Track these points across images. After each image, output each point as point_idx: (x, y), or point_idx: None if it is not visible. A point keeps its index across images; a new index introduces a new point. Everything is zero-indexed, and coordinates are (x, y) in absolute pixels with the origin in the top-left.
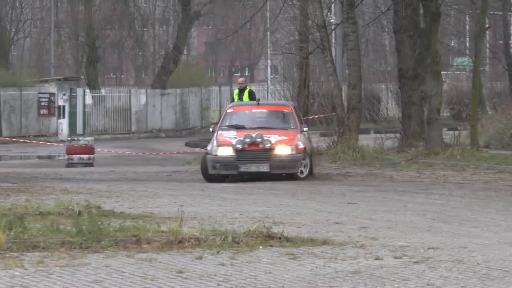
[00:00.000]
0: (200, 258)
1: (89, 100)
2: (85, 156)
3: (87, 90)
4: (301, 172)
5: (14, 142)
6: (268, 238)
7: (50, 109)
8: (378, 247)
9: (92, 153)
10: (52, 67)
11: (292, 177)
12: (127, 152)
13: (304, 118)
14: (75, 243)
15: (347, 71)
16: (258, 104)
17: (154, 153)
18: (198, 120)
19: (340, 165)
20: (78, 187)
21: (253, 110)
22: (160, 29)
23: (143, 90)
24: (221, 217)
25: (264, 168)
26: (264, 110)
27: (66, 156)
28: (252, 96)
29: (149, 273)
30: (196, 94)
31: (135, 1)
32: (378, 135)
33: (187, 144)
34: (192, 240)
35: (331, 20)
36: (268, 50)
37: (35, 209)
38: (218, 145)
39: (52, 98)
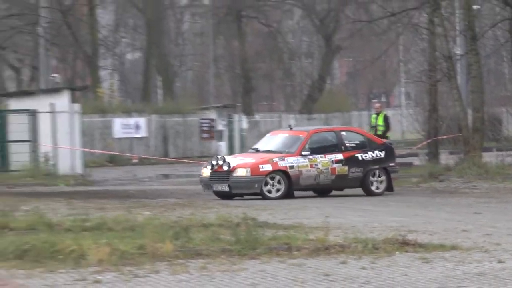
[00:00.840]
0: (344, 262)
1: (244, 124)
2: None
3: (243, 116)
4: (269, 191)
5: (180, 162)
6: (404, 244)
7: (211, 133)
8: (501, 251)
9: None
10: (212, 96)
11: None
12: None
13: (434, 138)
14: (234, 250)
15: (471, 97)
16: (290, 129)
17: None
18: None
19: (467, 180)
20: (236, 201)
21: (279, 135)
22: (306, 61)
23: (291, 115)
24: (362, 227)
25: (225, 187)
26: (286, 135)
27: None
28: (386, 119)
29: (299, 276)
30: (338, 118)
31: (284, 37)
32: (500, 152)
33: None
34: (337, 247)
35: (456, 52)
36: (402, 79)
37: (198, 221)
38: (204, 166)
39: (212, 123)
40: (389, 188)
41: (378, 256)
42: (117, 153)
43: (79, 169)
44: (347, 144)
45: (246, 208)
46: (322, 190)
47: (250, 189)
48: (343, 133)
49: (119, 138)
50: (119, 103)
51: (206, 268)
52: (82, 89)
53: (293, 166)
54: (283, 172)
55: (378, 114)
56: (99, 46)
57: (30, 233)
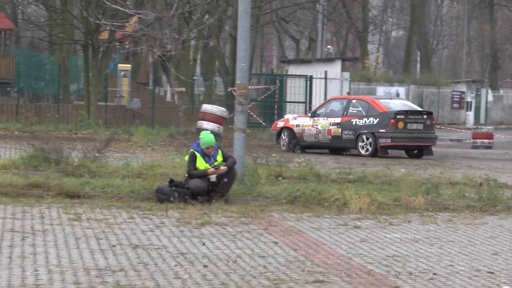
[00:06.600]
0: None
1: (490, 98)
2: (486, 141)
3: (489, 90)
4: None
5: None
6: None
7: (461, 103)
8: None
9: (492, 138)
10: (463, 72)
11: None
12: None
13: None
14: (476, 207)
15: None
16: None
17: None
18: None
19: None
20: (480, 164)
21: None
22: None
23: None
24: None
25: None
26: None
27: (471, 140)
28: None
29: None
30: None
31: None
32: None
33: None
34: None
35: None
36: None
37: (447, 179)
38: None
39: (462, 95)
40: (428, 152)
41: None
42: None
43: None
44: (350, 110)
45: (488, 170)
46: (323, 147)
47: (273, 139)
48: (354, 101)
49: None
50: (382, 73)
51: (452, 221)
52: (352, 60)
53: (299, 125)
54: (289, 129)
55: None
56: (369, 23)
57: (301, 182)
